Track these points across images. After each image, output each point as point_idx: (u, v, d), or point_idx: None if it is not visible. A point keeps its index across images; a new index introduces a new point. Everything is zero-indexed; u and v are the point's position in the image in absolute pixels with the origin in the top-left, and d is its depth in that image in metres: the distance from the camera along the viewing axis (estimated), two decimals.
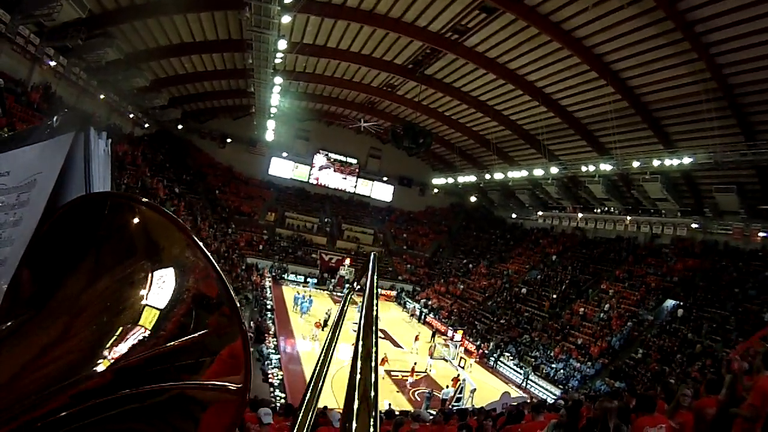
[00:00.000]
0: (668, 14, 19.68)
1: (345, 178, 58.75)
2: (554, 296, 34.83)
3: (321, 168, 57.83)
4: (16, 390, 0.53)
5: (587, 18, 22.28)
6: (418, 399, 22.61)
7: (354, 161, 58.43)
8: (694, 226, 30.51)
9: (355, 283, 2.59)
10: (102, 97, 31.04)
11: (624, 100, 26.29)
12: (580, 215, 39.52)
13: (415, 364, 25.73)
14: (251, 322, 27.62)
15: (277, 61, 27.10)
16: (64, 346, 0.60)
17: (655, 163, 26.70)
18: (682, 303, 27.03)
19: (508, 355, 30.31)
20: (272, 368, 22.52)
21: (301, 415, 0.92)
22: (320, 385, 1.08)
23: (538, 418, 8.24)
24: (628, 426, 6.09)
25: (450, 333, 32.59)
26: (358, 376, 0.68)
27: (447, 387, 22.55)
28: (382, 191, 60.35)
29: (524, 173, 37.39)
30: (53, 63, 24.50)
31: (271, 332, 27.21)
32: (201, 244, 0.67)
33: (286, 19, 22.14)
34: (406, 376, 24.76)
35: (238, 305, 0.66)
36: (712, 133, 23.49)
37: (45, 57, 23.88)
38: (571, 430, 7.06)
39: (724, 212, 28.77)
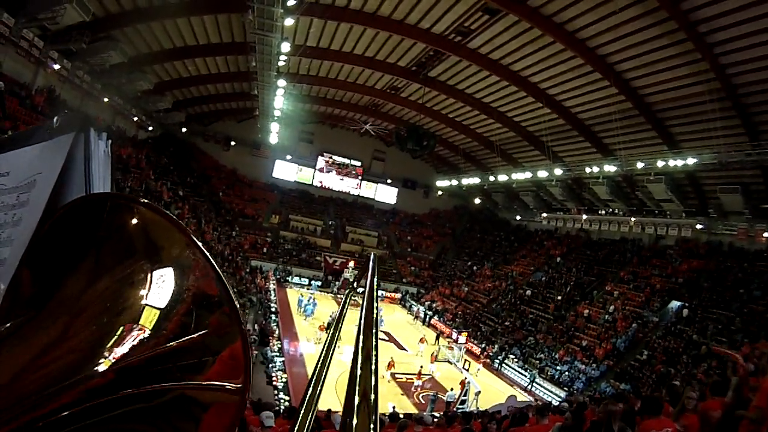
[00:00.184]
0: (671, 14, 19.63)
1: (349, 181, 58.75)
2: (559, 298, 34.74)
3: (325, 170, 57.80)
4: (16, 390, 0.53)
5: (591, 19, 22.29)
6: (423, 402, 22.56)
7: (358, 164, 58.39)
8: (698, 226, 30.40)
9: (355, 284, 2.58)
10: (106, 100, 31.10)
11: (628, 101, 26.22)
12: (584, 217, 39.47)
13: (422, 367, 25.68)
14: (255, 325, 27.61)
15: (281, 63, 27.17)
16: (64, 346, 0.60)
17: (660, 163, 26.64)
18: (687, 304, 26.92)
19: (513, 357, 30.25)
20: (276, 371, 22.50)
21: (300, 416, 0.89)
22: (320, 386, 1.07)
23: (543, 421, 8.22)
24: (632, 429, 6.06)
25: (454, 335, 32.57)
26: (358, 378, 0.68)
27: (451, 389, 22.49)
28: (386, 193, 60.32)
29: (528, 175, 37.38)
30: (57, 66, 24.54)
31: (275, 335, 27.21)
32: (200, 244, 0.67)
33: (289, 21, 22.18)
34: (411, 379, 24.72)
35: (238, 305, 0.66)
36: (716, 134, 23.39)
37: (49, 60, 23.92)
38: None
39: (728, 213, 28.68)
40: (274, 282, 40.27)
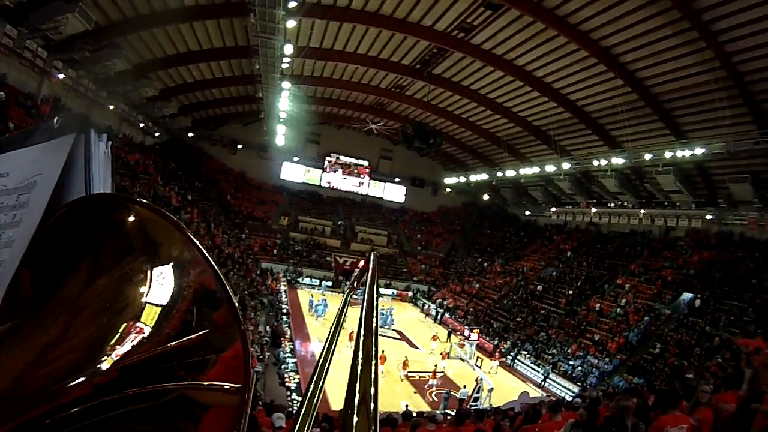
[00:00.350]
0: (674, 3, 19.49)
1: (357, 181, 58.81)
2: (570, 293, 34.64)
3: (332, 171, 57.90)
4: (18, 389, 0.54)
5: (593, 11, 22.20)
6: (436, 399, 22.56)
7: (365, 163, 58.45)
8: (708, 217, 30.15)
9: (355, 283, 2.56)
10: (112, 107, 31.26)
11: (633, 93, 26.08)
12: (593, 210, 39.28)
13: (436, 365, 25.71)
14: (267, 327, 27.74)
15: (285, 65, 27.23)
16: (64, 345, 0.61)
17: (668, 154, 26.47)
18: (699, 296, 26.75)
19: (525, 353, 30.19)
20: (288, 372, 22.59)
21: (301, 416, 0.89)
22: (320, 386, 1.05)
23: (556, 418, 8.15)
24: (646, 424, 5.99)
25: (466, 332, 32.56)
26: (358, 378, 0.69)
27: (464, 387, 22.48)
28: (394, 192, 60.38)
29: (536, 170, 37.33)
30: (62, 75, 24.64)
31: (286, 336, 27.31)
32: (198, 243, 0.67)
33: (291, 23, 22.20)
34: (424, 377, 24.74)
35: (237, 305, 0.65)
36: (724, 123, 23.24)
37: (53, 70, 24.05)
38: (590, 430, 6.97)
39: (738, 202, 28.41)
40: (285, 283, 40.38)
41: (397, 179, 59.64)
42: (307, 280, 44.55)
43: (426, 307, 43.55)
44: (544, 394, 23.22)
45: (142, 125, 37.38)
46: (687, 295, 27.47)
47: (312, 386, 1.01)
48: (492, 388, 22.03)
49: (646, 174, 31.35)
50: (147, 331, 0.61)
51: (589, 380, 25.32)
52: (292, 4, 20.63)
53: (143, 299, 0.64)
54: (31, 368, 0.56)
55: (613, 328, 28.36)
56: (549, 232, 46.16)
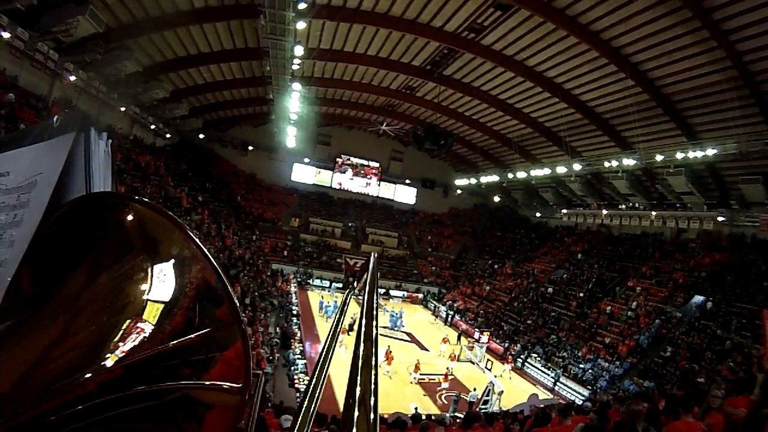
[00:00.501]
0: (685, 2, 19.38)
1: (368, 182, 58.89)
2: (581, 295, 34.49)
3: (343, 172, 57.98)
4: (19, 387, 0.55)
5: (603, 11, 22.10)
6: (446, 402, 22.52)
7: (376, 165, 58.51)
8: (720, 219, 29.91)
9: (355, 283, 2.56)
10: (123, 109, 31.48)
11: (644, 93, 25.94)
12: (604, 212, 39.11)
13: (448, 368, 25.69)
14: (277, 328, 27.77)
15: (295, 67, 27.34)
16: (65, 344, 0.62)
17: (679, 155, 26.29)
18: (710, 298, 26.55)
19: (536, 356, 30.07)
20: (298, 373, 22.60)
21: (301, 416, 0.89)
22: (320, 386, 1.07)
23: (566, 422, 8.10)
24: (657, 429, 5.94)
25: (476, 335, 32.49)
26: (358, 378, 0.69)
27: (474, 390, 22.42)
28: (405, 194, 60.41)
29: (547, 171, 37.21)
30: (73, 78, 24.85)
31: (296, 337, 27.33)
32: (199, 242, 0.68)
33: (301, 25, 22.29)
34: (434, 379, 24.70)
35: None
36: (735, 123, 23.05)
37: (64, 72, 24.25)
38: None
39: (750, 203, 28.14)
40: (295, 285, 40.42)
41: (407, 181, 59.68)
42: (317, 282, 44.62)
43: (436, 309, 43.47)
44: (554, 398, 23.11)
45: (153, 127, 37.58)
46: (698, 298, 27.27)
47: (312, 386, 1.01)
48: (502, 391, 21.97)
49: (658, 175, 31.17)
50: (150, 328, 0.62)
51: (599, 383, 25.18)
52: (302, 6, 20.66)
53: (144, 297, 0.65)
54: (32, 367, 0.58)
55: (624, 331, 28.19)
56: (560, 234, 46.03)
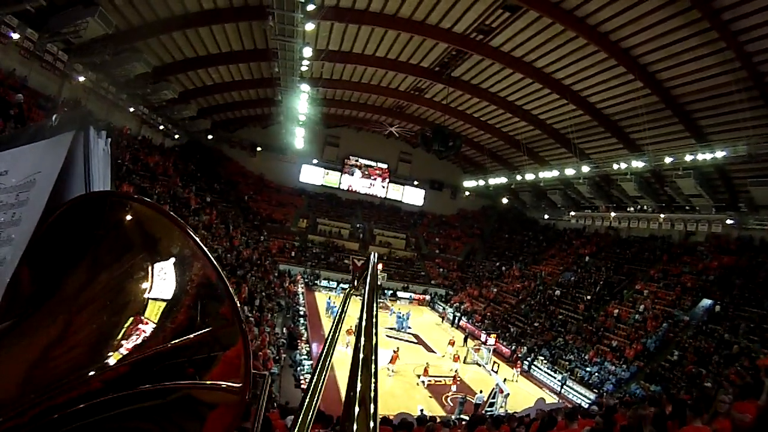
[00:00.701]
0: (694, 3, 19.28)
1: (376, 184, 58.95)
2: (588, 298, 34.37)
3: (351, 174, 58.03)
4: (17, 388, 0.55)
5: (612, 12, 21.99)
6: (452, 404, 22.49)
7: (384, 166, 58.55)
8: (729, 222, 29.73)
9: (355, 282, 2.54)
10: (132, 110, 31.63)
11: (654, 95, 25.83)
12: (612, 214, 38.99)
13: (456, 371, 25.68)
14: (284, 329, 27.79)
15: (303, 68, 27.38)
16: (65, 343, 0.62)
17: (688, 158, 26.16)
18: (718, 302, 26.40)
19: (542, 359, 29.98)
20: (304, 374, 22.59)
21: (301, 416, 0.90)
22: (320, 386, 1.08)
23: (572, 425, 8.09)
24: None
25: (483, 337, 32.44)
26: (359, 380, 0.68)
27: (480, 392, 22.37)
28: (413, 195, 60.44)
29: (555, 173, 37.12)
30: (82, 78, 24.98)
31: (303, 338, 27.34)
32: (199, 240, 0.68)
33: (309, 26, 22.35)
34: (440, 381, 24.67)
35: (238, 303, 0.65)
36: (745, 125, 22.91)
37: (74, 73, 24.39)
38: None
39: (759, 206, 28.02)
40: (303, 286, 40.44)
41: (416, 182, 59.73)
42: (324, 283, 44.65)
43: (443, 310, 43.42)
44: (561, 402, 23.04)
45: (161, 127, 37.73)
46: (706, 302, 27.11)
47: (312, 385, 1.01)
48: (508, 394, 21.92)
49: (666, 178, 31.06)
50: (151, 327, 0.61)
51: (605, 387, 25.06)
52: (310, 7, 20.69)
53: (145, 295, 0.65)
54: (32, 366, 0.57)
55: (631, 335, 28.06)
56: (568, 237, 45.92)
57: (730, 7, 18.86)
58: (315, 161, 56.23)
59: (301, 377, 22.19)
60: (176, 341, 0.61)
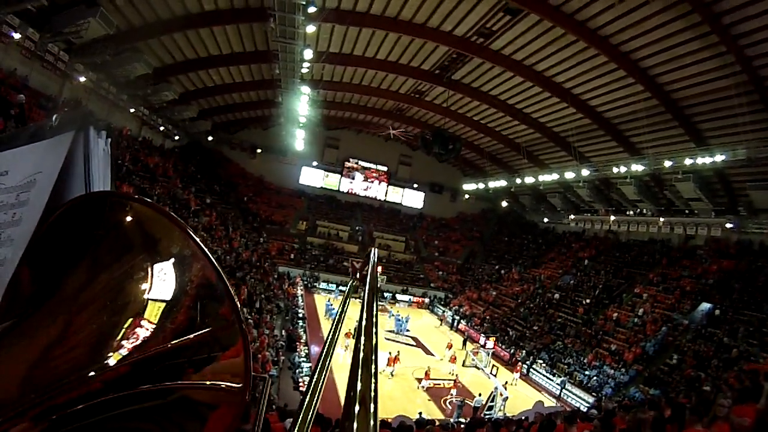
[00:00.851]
0: (694, 7, 19.26)
1: (375, 186, 58.89)
2: (587, 301, 34.34)
3: (351, 176, 58.03)
4: (17, 388, 0.55)
5: (612, 15, 21.96)
6: (450, 407, 22.45)
7: (384, 169, 58.55)
8: (728, 225, 29.68)
9: (355, 283, 2.53)
10: (132, 110, 31.65)
11: (654, 98, 25.83)
12: (612, 218, 38.97)
13: (457, 375, 25.72)
14: (283, 331, 27.77)
15: (304, 70, 27.40)
16: (65, 343, 0.62)
17: (687, 161, 26.16)
18: (717, 306, 26.38)
19: (541, 362, 29.94)
20: (303, 376, 22.58)
21: (300, 418, 0.91)
22: (320, 388, 1.08)
23: (571, 429, 8.09)
24: None
25: (482, 340, 32.41)
26: (359, 380, 0.68)
27: (479, 395, 22.34)
28: (413, 198, 60.41)
29: (555, 176, 37.03)
30: (83, 79, 25.00)
31: (302, 340, 27.32)
32: (200, 241, 0.68)
33: (310, 28, 22.39)
34: (440, 384, 24.64)
35: (238, 303, 0.65)
36: (744, 129, 22.87)
37: (75, 73, 24.40)
38: None
39: (759, 210, 28.02)
40: (302, 288, 40.42)
41: (415, 185, 59.73)
42: (323, 285, 44.65)
43: (442, 313, 43.41)
44: (560, 405, 23.01)
45: (162, 128, 37.73)
46: (705, 305, 27.08)
47: (311, 387, 1.01)
48: (507, 397, 21.89)
49: (666, 181, 31.09)
50: (151, 327, 0.62)
51: (604, 390, 25.03)
52: (311, 10, 20.69)
53: (145, 296, 0.64)
54: (33, 366, 0.58)
55: (630, 338, 28.03)
56: (567, 240, 45.91)
57: (731, 11, 18.85)
58: (315, 163, 56.24)
59: (300, 379, 22.16)
60: (176, 341, 0.61)
